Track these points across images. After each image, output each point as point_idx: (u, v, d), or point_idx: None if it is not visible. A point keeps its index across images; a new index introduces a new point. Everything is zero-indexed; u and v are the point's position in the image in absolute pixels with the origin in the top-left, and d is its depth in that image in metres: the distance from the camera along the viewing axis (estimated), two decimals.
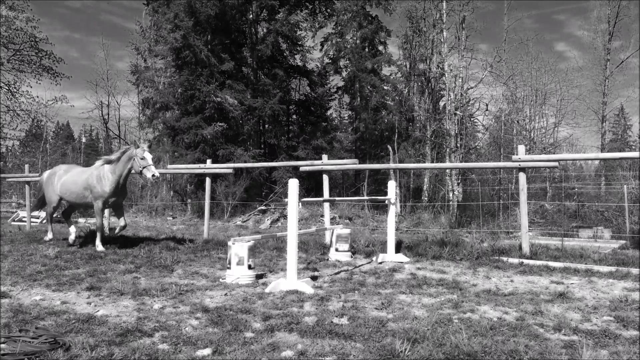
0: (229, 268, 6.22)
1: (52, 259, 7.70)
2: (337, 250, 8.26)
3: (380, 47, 31.56)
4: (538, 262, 7.54)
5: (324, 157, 10.51)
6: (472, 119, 26.75)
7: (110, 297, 5.22)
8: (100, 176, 8.99)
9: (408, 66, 29.37)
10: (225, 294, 5.44)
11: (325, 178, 10.27)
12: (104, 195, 8.94)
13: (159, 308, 4.77)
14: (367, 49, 30.67)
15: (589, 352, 3.40)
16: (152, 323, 4.24)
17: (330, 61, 31.39)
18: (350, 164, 11.12)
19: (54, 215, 10.76)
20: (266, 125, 26.45)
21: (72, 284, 5.90)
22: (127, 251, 8.59)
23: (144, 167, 8.78)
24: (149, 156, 8.88)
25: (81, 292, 5.49)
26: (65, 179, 9.51)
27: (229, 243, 6.34)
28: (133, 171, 9.04)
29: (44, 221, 17.89)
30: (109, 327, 4.06)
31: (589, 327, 4.18)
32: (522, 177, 8.60)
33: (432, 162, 24.62)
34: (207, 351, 3.53)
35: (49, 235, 10.24)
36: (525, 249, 8.31)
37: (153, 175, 8.76)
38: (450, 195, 23.26)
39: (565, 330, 4.06)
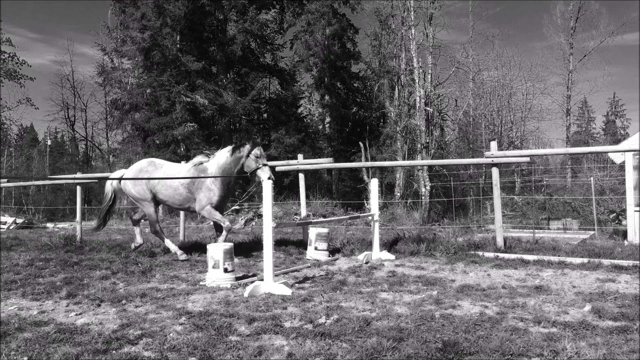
0: (208, 271, 6.18)
1: (25, 267, 7.52)
2: (316, 249, 8.26)
3: (349, 45, 31.69)
4: (513, 256, 7.70)
5: (300, 156, 10.52)
6: (441, 115, 27.10)
7: (90, 305, 5.13)
8: None
9: (378, 63, 29.56)
10: (207, 298, 5.40)
11: (302, 177, 10.28)
12: None
13: (141, 314, 4.70)
14: (336, 47, 30.73)
15: (570, 343, 3.50)
16: (136, 330, 4.18)
17: (300, 59, 31.37)
18: (325, 162, 11.16)
19: None
20: (237, 125, 26.27)
21: (49, 292, 5.77)
22: (102, 256, 8.45)
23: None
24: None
25: (59, 300, 5.38)
26: None
27: (208, 246, 6.30)
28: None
29: (11, 227, 17.41)
30: (91, 336, 3.99)
31: (567, 319, 4.30)
32: (495, 172, 8.77)
33: (404, 157, 24.85)
34: (193, 359, 3.51)
35: None
36: (500, 242, 8.48)
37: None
38: (422, 190, 23.53)
39: (545, 323, 4.16)
